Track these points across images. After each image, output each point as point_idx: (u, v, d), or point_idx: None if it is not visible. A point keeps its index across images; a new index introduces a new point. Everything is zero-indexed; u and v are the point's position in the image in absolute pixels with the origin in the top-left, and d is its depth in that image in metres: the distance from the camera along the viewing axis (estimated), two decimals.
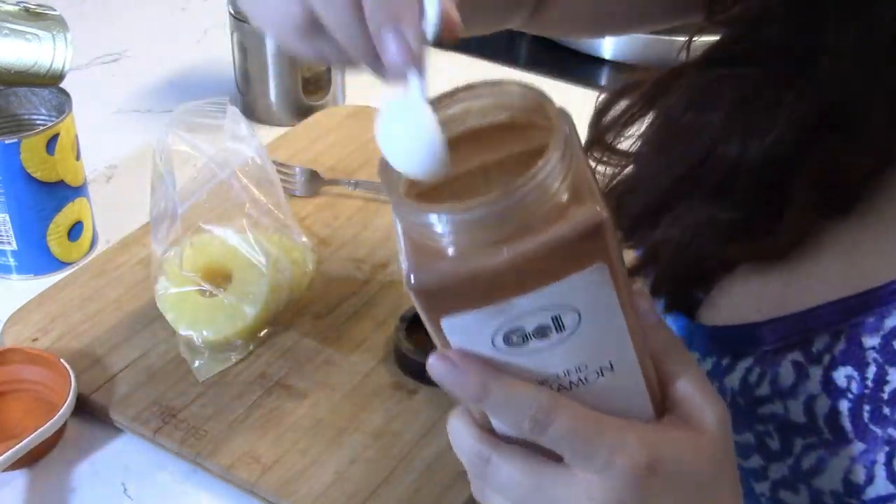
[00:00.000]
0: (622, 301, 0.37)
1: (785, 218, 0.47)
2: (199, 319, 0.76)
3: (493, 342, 0.38)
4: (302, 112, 1.11)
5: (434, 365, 0.38)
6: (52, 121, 0.83)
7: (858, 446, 0.44)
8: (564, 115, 0.39)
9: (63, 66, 0.85)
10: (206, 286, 0.78)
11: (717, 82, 0.49)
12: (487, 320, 0.37)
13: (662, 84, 0.54)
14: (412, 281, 0.36)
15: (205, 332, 0.76)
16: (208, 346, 0.76)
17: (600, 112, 0.58)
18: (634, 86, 0.56)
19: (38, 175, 0.83)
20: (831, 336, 0.45)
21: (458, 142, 0.39)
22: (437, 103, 0.39)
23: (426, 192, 0.39)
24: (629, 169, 0.56)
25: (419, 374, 0.75)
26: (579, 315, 0.37)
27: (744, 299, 0.51)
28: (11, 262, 0.87)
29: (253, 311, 0.77)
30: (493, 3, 0.64)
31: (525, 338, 0.38)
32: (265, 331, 0.79)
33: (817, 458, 0.46)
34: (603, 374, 0.39)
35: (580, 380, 0.39)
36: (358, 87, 1.19)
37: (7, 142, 0.80)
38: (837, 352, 0.45)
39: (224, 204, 0.79)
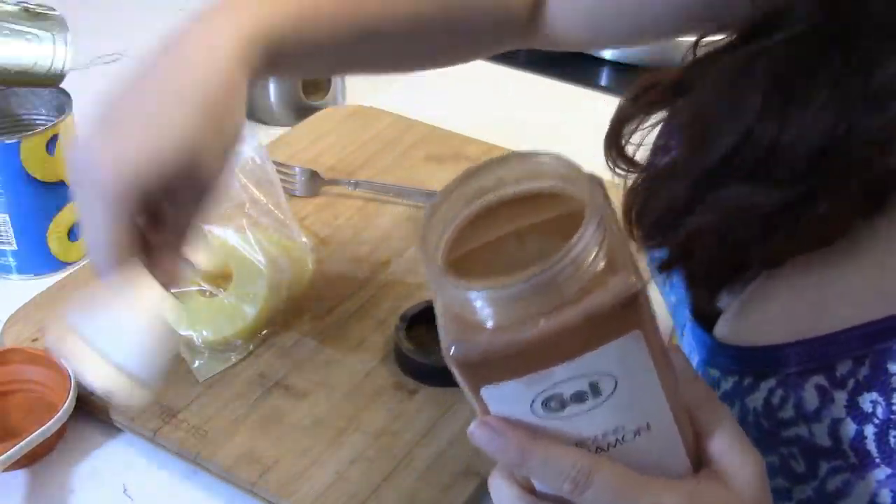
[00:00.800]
0: (657, 364, 0.38)
1: (828, 204, 0.45)
2: (199, 319, 0.76)
3: (531, 408, 0.39)
4: (302, 112, 1.11)
5: (475, 432, 0.39)
6: (52, 121, 0.83)
7: (885, 471, 0.44)
8: (596, 183, 0.39)
9: (63, 66, 0.85)
10: (206, 286, 0.78)
11: (749, 61, 0.47)
12: (526, 389, 0.38)
13: (691, 71, 0.52)
14: (452, 352, 0.37)
15: (205, 332, 0.76)
16: (208, 346, 0.76)
17: (622, 111, 0.56)
18: (656, 83, 0.54)
19: (38, 175, 0.83)
20: (854, 361, 0.45)
21: (491, 211, 0.40)
22: (471, 175, 0.40)
23: (462, 260, 0.39)
24: (656, 162, 0.54)
25: (419, 374, 0.75)
26: (616, 380, 0.38)
27: (768, 320, 0.50)
28: (11, 262, 0.87)
29: (253, 311, 0.77)
30: (475, 27, 0.66)
31: (563, 403, 0.39)
32: (265, 331, 0.79)
33: (843, 482, 0.46)
34: (640, 434, 0.40)
35: (617, 440, 0.40)
36: (358, 87, 1.19)
37: (7, 142, 0.80)
38: (862, 377, 0.45)
39: (224, 204, 0.79)
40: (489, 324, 0.37)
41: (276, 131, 1.09)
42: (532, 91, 1.22)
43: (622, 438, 0.40)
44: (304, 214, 0.93)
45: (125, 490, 0.69)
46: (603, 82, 1.23)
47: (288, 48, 0.57)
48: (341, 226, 0.93)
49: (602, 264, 0.36)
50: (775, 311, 0.50)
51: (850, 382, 0.45)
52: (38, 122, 0.88)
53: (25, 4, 0.86)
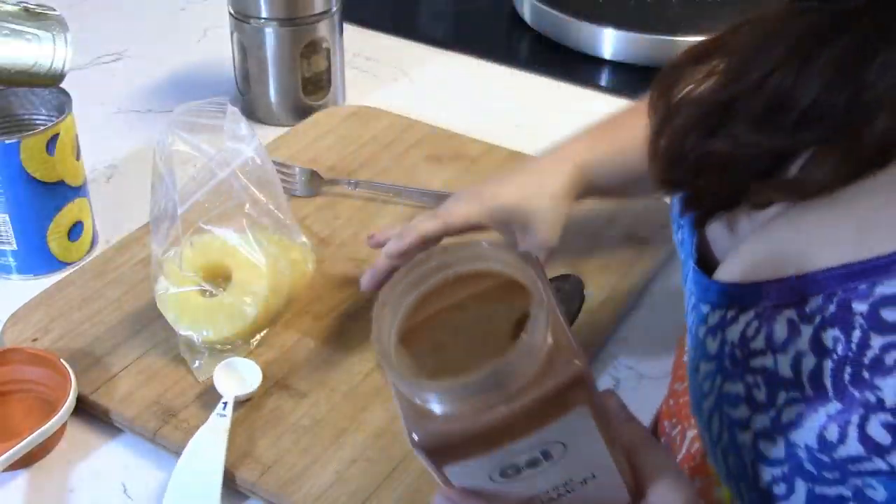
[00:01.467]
0: (600, 425, 0.42)
1: (825, 158, 0.50)
2: (199, 319, 0.76)
3: (490, 478, 0.43)
4: (302, 112, 1.11)
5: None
6: (52, 121, 0.83)
7: (836, 406, 0.46)
8: (533, 264, 0.43)
9: (63, 66, 0.85)
10: (206, 286, 0.78)
11: (782, 19, 0.52)
12: (485, 464, 0.42)
13: (735, 28, 0.56)
14: (416, 440, 0.40)
15: (205, 332, 0.76)
16: (208, 346, 0.76)
17: (674, 60, 0.60)
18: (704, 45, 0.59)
19: (38, 175, 0.83)
20: (825, 298, 0.48)
21: (434, 291, 0.43)
22: (416, 264, 0.43)
23: (411, 334, 0.42)
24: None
25: None
26: (564, 446, 0.42)
27: (757, 262, 0.53)
28: (11, 262, 0.87)
29: (253, 311, 0.76)
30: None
31: (518, 470, 0.42)
32: (265, 331, 0.79)
33: (797, 413, 0.48)
34: (587, 483, 0.45)
35: (567, 490, 0.45)
36: (358, 87, 1.19)
37: (7, 142, 0.80)
38: (828, 313, 0.47)
39: (224, 204, 0.79)
40: (448, 413, 0.40)
41: (276, 131, 1.09)
42: (532, 91, 1.22)
43: (571, 489, 0.45)
44: (304, 214, 0.93)
45: (125, 490, 0.70)
46: (603, 82, 1.23)
47: (601, 180, 0.78)
48: (341, 226, 0.93)
49: (547, 349, 0.40)
50: (764, 254, 0.53)
51: (818, 318, 0.48)
52: (38, 122, 0.88)
53: (25, 4, 0.86)
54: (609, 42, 1.24)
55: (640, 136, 0.62)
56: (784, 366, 0.49)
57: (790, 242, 0.52)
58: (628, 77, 1.23)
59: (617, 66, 1.25)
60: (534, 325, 0.39)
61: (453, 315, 0.44)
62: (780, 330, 0.50)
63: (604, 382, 0.79)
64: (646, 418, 0.75)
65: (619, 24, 1.24)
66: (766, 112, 0.51)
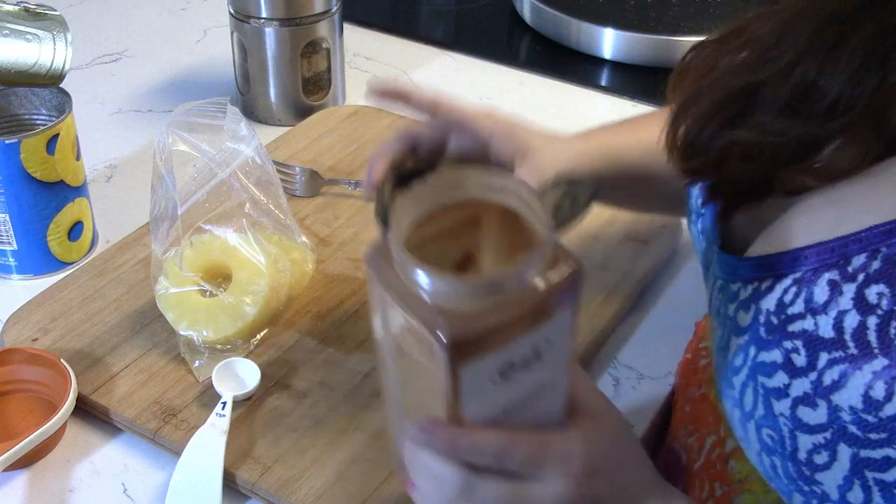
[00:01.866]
0: (574, 332, 0.48)
1: (853, 143, 0.50)
2: (199, 319, 0.76)
3: (491, 380, 0.46)
4: (302, 112, 1.11)
5: (416, 437, 0.49)
6: (52, 121, 0.83)
7: (882, 361, 0.46)
8: (533, 193, 0.48)
9: (63, 66, 0.85)
10: (206, 286, 0.78)
11: (807, 4, 0.51)
12: (495, 360, 0.46)
13: (758, 18, 0.56)
14: (446, 337, 0.43)
15: (205, 332, 0.76)
16: (208, 346, 0.76)
17: (692, 54, 0.60)
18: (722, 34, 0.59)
19: (38, 175, 0.83)
20: (868, 255, 0.48)
21: (438, 211, 0.48)
22: (422, 181, 0.48)
23: (417, 243, 0.47)
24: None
25: None
26: (551, 343, 0.47)
27: (792, 234, 0.53)
28: (11, 262, 0.87)
29: (253, 311, 0.77)
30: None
31: (514, 369, 0.47)
32: (265, 331, 0.79)
33: (840, 373, 0.48)
34: (547, 392, 0.50)
35: (534, 397, 0.49)
36: (358, 87, 1.19)
37: (7, 142, 0.80)
38: (872, 270, 0.47)
39: (224, 204, 0.79)
40: (468, 310, 0.44)
41: (276, 131, 1.09)
42: (532, 91, 1.22)
43: (537, 396, 0.49)
44: (304, 214, 0.93)
45: (125, 490, 0.70)
46: (603, 82, 1.23)
47: (614, 162, 0.75)
48: (341, 226, 0.93)
49: (551, 252, 0.46)
50: (799, 224, 0.53)
51: (861, 276, 0.48)
52: (38, 122, 0.88)
53: (25, 4, 0.86)
54: (609, 42, 1.24)
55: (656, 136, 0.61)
56: (825, 327, 0.49)
57: (826, 210, 0.52)
58: (628, 77, 1.23)
59: (617, 66, 1.25)
60: (545, 243, 0.45)
61: (463, 233, 0.49)
62: (821, 292, 0.49)
63: (604, 382, 0.79)
64: (645, 418, 0.75)
65: (619, 24, 1.24)
66: (794, 100, 0.50)
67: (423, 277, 0.44)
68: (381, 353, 0.52)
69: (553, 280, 0.45)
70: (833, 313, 0.48)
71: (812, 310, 0.50)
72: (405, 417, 0.53)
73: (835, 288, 0.49)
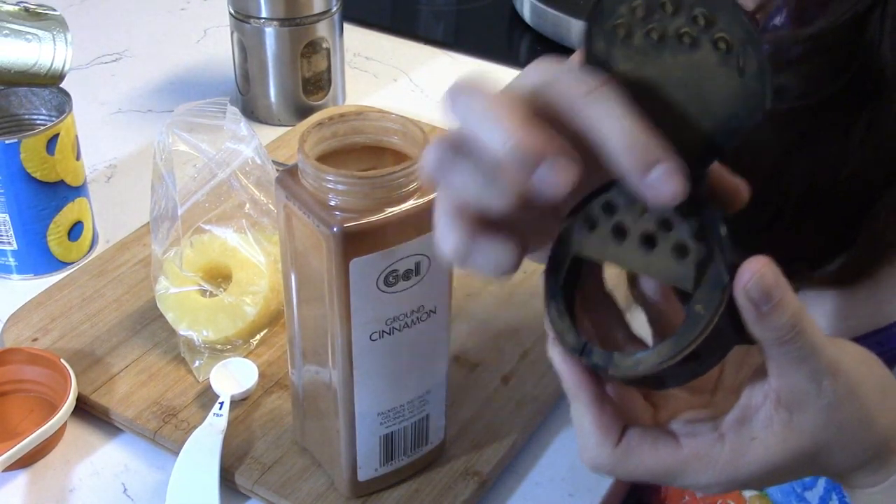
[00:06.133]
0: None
1: (860, 247, 0.50)
2: (199, 319, 0.76)
3: (376, 283, 0.54)
4: (302, 112, 1.11)
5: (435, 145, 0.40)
6: (52, 121, 0.83)
7: None
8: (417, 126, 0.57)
9: (63, 66, 0.85)
10: (206, 286, 0.78)
11: (783, 116, 0.50)
12: (379, 262, 0.54)
13: None
14: (337, 229, 0.52)
15: (205, 332, 0.76)
16: (208, 346, 0.76)
17: None
18: None
19: (38, 175, 0.83)
20: None
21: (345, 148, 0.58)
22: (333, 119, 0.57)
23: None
24: None
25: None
26: (430, 261, 0.55)
27: (823, 325, 0.52)
28: (11, 262, 0.87)
29: (253, 311, 0.77)
30: None
31: (397, 279, 0.55)
32: (265, 331, 0.79)
33: None
34: (429, 316, 0.58)
35: (417, 319, 0.58)
36: (358, 87, 1.19)
37: (7, 142, 0.80)
38: None
39: (224, 204, 0.79)
40: (360, 207, 0.53)
41: (276, 131, 1.09)
42: None
43: (419, 318, 0.58)
44: None
45: (125, 490, 0.70)
46: None
47: None
48: None
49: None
50: (831, 315, 0.52)
51: None
52: (38, 122, 0.88)
53: (25, 4, 0.86)
54: None
55: None
56: None
57: (863, 300, 0.52)
58: None
59: None
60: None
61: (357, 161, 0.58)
62: None
63: None
64: None
65: None
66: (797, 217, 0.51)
67: (318, 175, 0.53)
68: (284, 268, 0.60)
69: (429, 196, 0.53)
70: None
71: None
72: (302, 346, 0.62)
73: None
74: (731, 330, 0.38)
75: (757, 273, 0.37)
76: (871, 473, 0.43)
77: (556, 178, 0.35)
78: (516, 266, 0.39)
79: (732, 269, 0.37)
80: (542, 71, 0.38)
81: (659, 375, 0.39)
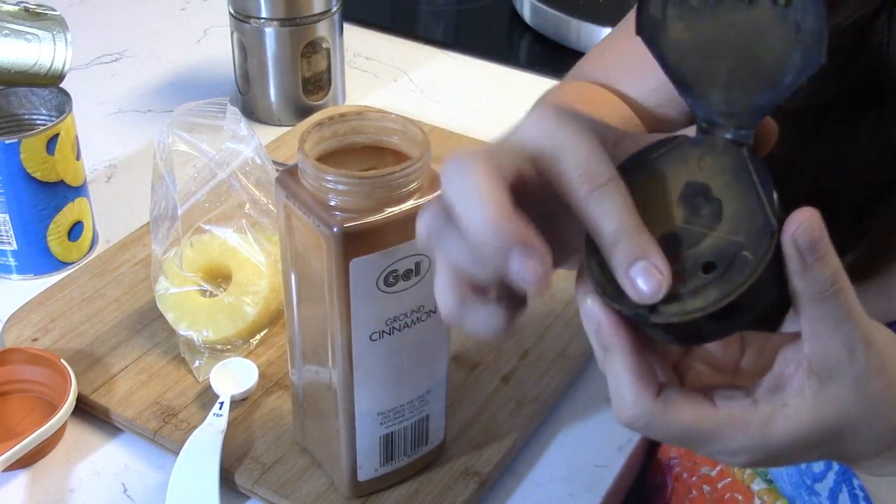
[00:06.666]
0: None
1: (870, 240, 0.51)
2: (199, 319, 0.76)
3: (376, 283, 0.55)
4: (302, 112, 1.11)
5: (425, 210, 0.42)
6: (52, 121, 0.83)
7: None
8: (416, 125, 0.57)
9: (63, 66, 0.85)
10: (206, 286, 0.78)
11: (790, 116, 0.51)
12: (379, 261, 0.54)
13: None
14: (338, 230, 0.52)
15: (205, 332, 0.76)
16: (208, 347, 0.76)
17: None
18: None
19: (38, 175, 0.83)
20: None
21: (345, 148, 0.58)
22: (333, 120, 0.57)
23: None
24: None
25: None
26: (430, 262, 0.55)
27: None
28: (11, 262, 0.87)
29: (253, 311, 0.77)
30: None
31: (397, 279, 0.55)
32: (265, 331, 0.79)
33: None
34: (429, 316, 0.58)
35: (417, 319, 0.58)
36: (358, 87, 1.19)
37: (7, 142, 0.80)
38: None
39: (224, 204, 0.79)
40: (360, 207, 0.53)
41: (276, 131, 1.09)
42: (532, 91, 1.21)
43: (419, 318, 0.58)
44: None
45: (125, 490, 0.70)
46: None
47: None
48: None
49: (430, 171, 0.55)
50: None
51: None
52: (38, 122, 0.88)
53: (25, 4, 0.86)
54: None
55: None
56: None
57: (881, 293, 0.52)
58: None
59: None
60: (427, 150, 0.55)
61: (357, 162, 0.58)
62: None
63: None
64: None
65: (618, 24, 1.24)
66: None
67: (318, 175, 0.53)
68: (284, 268, 0.60)
69: (429, 196, 0.54)
70: None
71: None
72: (302, 346, 0.62)
73: None
74: (772, 284, 0.39)
75: (805, 222, 0.38)
76: (890, 461, 0.43)
77: (525, 274, 0.37)
78: (507, 330, 0.41)
79: (780, 221, 0.38)
80: (545, 136, 0.40)
81: (698, 326, 0.39)
